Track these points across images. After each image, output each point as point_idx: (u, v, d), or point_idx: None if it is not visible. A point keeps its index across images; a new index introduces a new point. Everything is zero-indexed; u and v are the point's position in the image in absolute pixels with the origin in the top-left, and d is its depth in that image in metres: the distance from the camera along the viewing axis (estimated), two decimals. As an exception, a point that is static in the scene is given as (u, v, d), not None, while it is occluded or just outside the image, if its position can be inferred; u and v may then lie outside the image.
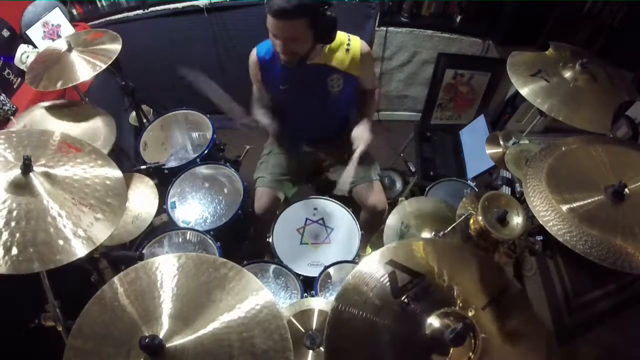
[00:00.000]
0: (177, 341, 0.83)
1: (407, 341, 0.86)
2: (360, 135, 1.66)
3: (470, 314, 0.87)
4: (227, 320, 0.87)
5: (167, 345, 0.81)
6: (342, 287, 0.91)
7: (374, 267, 0.93)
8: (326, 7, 1.40)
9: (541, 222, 0.98)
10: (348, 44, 1.60)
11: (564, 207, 1.01)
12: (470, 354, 0.83)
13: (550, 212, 1.00)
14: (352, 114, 1.88)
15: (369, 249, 2.06)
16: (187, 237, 1.71)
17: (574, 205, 1.01)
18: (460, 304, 0.89)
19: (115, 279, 0.92)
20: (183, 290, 0.91)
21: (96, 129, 1.64)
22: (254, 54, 1.65)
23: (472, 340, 0.83)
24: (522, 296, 0.96)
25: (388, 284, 0.91)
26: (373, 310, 0.88)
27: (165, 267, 0.94)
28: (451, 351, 0.82)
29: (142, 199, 1.72)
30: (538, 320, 0.94)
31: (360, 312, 0.87)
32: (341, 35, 1.59)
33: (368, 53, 1.65)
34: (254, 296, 0.90)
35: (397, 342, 0.85)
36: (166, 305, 0.89)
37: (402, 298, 0.89)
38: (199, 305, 0.89)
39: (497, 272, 0.99)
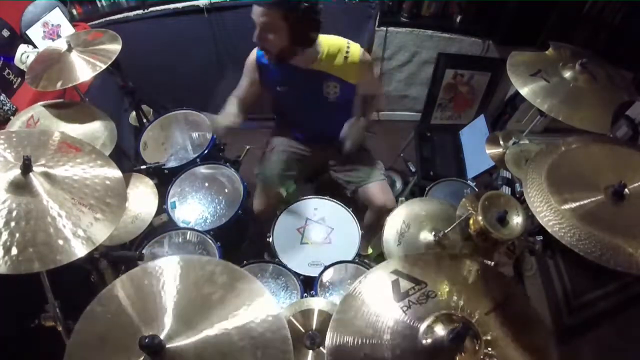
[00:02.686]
0: (178, 342, 0.83)
1: (409, 350, 0.85)
2: (347, 132, 1.67)
3: (473, 319, 0.87)
4: (231, 326, 0.86)
5: (167, 346, 0.81)
6: (337, 311, 0.92)
7: (375, 279, 0.94)
8: (308, 6, 1.38)
9: (541, 223, 0.98)
10: (347, 51, 1.57)
11: (564, 207, 1.00)
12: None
13: (550, 212, 1.00)
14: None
15: (369, 249, 2.06)
16: (187, 237, 1.71)
17: (574, 205, 1.01)
18: (463, 310, 0.89)
19: (117, 282, 0.92)
20: (185, 292, 0.90)
21: (95, 132, 1.63)
22: (254, 53, 1.67)
23: (477, 347, 0.83)
24: (525, 301, 0.95)
25: (389, 292, 0.91)
26: (372, 322, 0.88)
27: (168, 269, 0.94)
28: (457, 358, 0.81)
29: (142, 199, 1.72)
30: (543, 324, 0.93)
31: (358, 338, 0.87)
32: (340, 41, 1.58)
33: (367, 62, 1.63)
34: (260, 304, 0.90)
35: (399, 354, 0.84)
36: (168, 306, 0.88)
37: (403, 303, 0.89)
38: (202, 308, 0.88)
39: (500, 279, 0.99)
